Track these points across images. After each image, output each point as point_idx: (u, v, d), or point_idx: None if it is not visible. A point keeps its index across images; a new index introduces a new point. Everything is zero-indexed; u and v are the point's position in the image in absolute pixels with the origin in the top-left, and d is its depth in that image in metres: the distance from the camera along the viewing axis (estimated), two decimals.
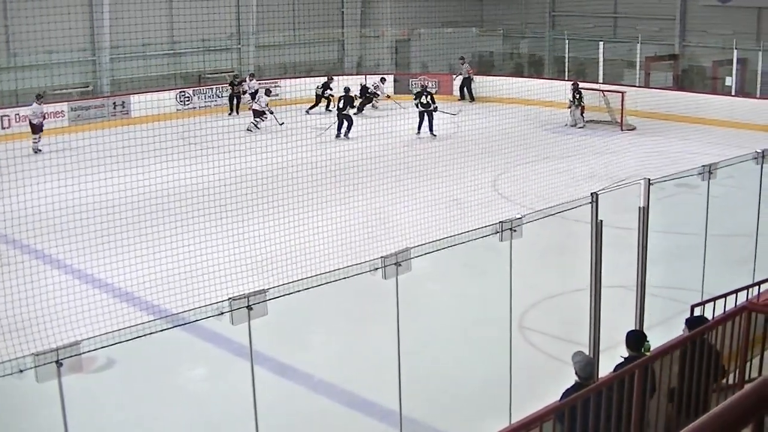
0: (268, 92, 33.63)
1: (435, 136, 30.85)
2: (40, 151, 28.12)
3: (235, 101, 36.28)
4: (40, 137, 29.11)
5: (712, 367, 8.68)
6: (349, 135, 30.70)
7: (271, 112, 32.28)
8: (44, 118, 29.82)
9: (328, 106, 36.14)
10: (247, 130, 31.51)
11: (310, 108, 36.05)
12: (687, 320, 9.87)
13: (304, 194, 20.50)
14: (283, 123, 30.76)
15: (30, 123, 29.38)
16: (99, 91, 35.94)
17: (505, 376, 10.39)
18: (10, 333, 13.24)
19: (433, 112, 31.33)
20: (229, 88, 36.63)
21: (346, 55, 42.98)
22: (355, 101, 33.47)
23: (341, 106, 31.53)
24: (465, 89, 39.23)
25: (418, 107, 31.73)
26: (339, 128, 31.07)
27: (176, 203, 20.54)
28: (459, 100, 38.56)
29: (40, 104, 29.78)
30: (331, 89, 35.97)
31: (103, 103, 34.45)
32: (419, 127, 31.29)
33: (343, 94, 32.05)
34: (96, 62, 36.08)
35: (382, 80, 38.36)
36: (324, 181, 21.81)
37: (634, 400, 7.80)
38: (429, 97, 31.83)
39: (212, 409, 12.06)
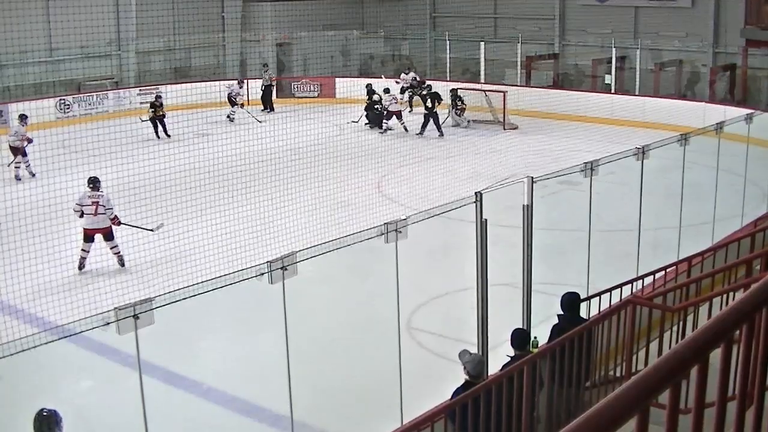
0: (387, 90, 33.07)
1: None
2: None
3: (159, 126, 31.96)
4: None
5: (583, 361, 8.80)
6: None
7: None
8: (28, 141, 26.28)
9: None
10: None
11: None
12: (562, 298, 10.03)
13: (188, 201, 20.27)
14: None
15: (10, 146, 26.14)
16: None
17: (395, 377, 10.39)
18: None
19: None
20: (151, 111, 32.07)
21: (227, 60, 42.65)
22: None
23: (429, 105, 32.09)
24: (266, 97, 37.71)
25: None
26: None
27: (58, 212, 20.13)
28: (263, 110, 37.00)
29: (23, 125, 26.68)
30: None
31: None
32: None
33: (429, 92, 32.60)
34: None
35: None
36: (208, 187, 21.59)
37: (524, 396, 7.86)
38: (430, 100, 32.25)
39: (102, 421, 11.84)
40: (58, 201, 20.46)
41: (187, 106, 32.94)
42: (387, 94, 32.36)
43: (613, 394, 2.40)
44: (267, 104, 37.42)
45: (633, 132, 28.97)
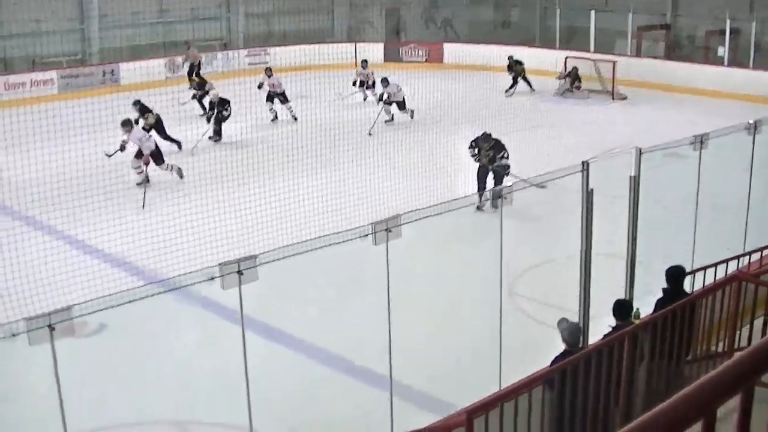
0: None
1: None
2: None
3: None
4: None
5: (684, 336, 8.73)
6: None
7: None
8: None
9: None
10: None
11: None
12: (667, 271, 9.92)
13: (292, 161, 20.50)
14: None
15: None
16: (88, 60, 35.78)
17: (495, 342, 10.43)
18: (2, 299, 13.25)
19: None
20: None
21: (335, 23, 42.78)
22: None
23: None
24: (194, 74, 34.40)
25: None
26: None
27: (168, 169, 20.55)
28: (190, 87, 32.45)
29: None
30: None
31: (92, 72, 34.32)
32: None
33: None
34: (85, 31, 35.86)
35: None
36: (312, 148, 21.76)
37: (624, 367, 7.85)
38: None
39: (203, 373, 12.08)
40: (169, 158, 20.89)
41: (294, 68, 33.18)
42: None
43: (717, 371, 2.41)
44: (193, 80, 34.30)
45: (744, 106, 28.42)
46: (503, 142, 19.46)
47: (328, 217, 16.15)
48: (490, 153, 19.27)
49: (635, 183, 11.29)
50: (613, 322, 9.17)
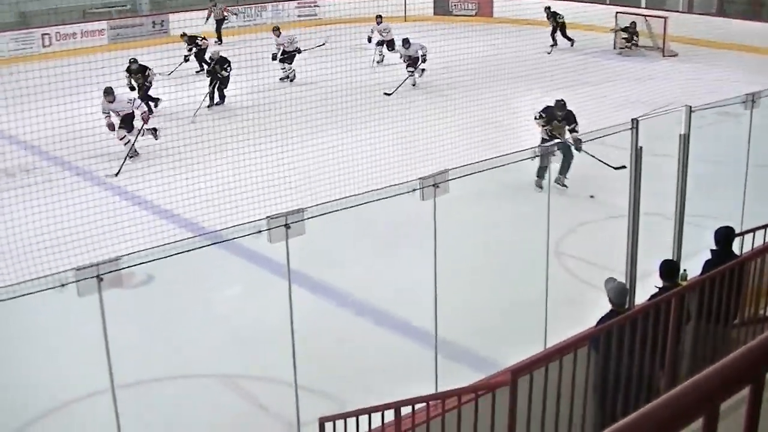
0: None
1: None
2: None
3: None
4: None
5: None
6: None
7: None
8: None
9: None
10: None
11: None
12: (716, 232, 9.82)
13: (343, 114, 20.45)
14: None
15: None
16: (138, 10, 35.90)
17: (541, 301, 10.42)
18: (51, 249, 13.39)
19: None
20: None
21: None
22: None
23: None
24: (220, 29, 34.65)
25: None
26: None
27: (216, 121, 20.60)
28: (216, 41, 33.02)
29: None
30: None
31: (142, 22, 34.46)
32: None
33: None
34: None
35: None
36: (362, 101, 21.69)
37: (670, 329, 7.80)
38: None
39: (248, 326, 12.18)
40: (218, 109, 20.86)
41: (347, 20, 33.06)
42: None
43: (766, 335, 2.37)
44: (220, 38, 34.29)
45: None
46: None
47: (379, 171, 16.08)
48: (562, 123, 17.07)
49: (685, 141, 11.17)
50: (660, 283, 9.11)
